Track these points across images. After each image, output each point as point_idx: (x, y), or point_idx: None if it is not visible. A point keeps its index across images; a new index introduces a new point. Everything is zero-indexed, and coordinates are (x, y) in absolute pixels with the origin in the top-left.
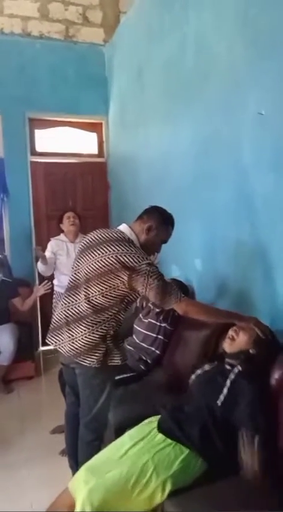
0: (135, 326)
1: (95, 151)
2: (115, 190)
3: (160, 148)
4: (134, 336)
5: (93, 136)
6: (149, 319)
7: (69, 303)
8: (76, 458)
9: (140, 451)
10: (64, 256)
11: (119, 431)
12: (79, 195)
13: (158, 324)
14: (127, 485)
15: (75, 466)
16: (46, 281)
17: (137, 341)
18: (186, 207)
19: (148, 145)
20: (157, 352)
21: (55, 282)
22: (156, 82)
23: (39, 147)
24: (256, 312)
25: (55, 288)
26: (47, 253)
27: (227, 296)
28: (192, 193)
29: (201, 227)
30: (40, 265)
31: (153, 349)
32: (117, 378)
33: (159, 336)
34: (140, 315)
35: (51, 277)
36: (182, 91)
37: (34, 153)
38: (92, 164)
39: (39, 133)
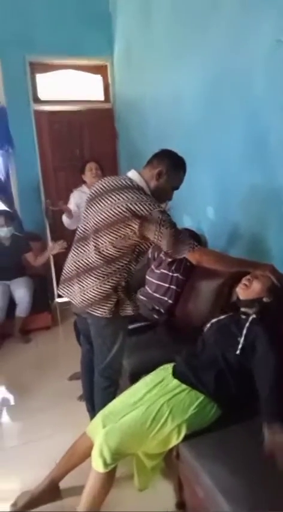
0: (147, 277)
1: (101, 96)
2: (123, 137)
3: (169, 89)
4: (147, 287)
5: (98, 79)
6: (161, 270)
7: (78, 253)
8: (93, 402)
9: (155, 396)
10: None
11: (134, 378)
12: (86, 144)
13: (170, 274)
14: (143, 428)
15: (92, 410)
16: (62, 240)
17: (150, 291)
18: (197, 152)
19: (156, 86)
20: (170, 301)
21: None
22: (163, 14)
23: (42, 94)
24: (270, 259)
25: None
26: (71, 206)
27: (241, 244)
28: (203, 136)
29: (212, 173)
30: (65, 219)
31: (166, 299)
32: (130, 327)
33: (172, 286)
34: (152, 266)
35: (63, 235)
36: (191, 22)
37: (37, 100)
38: (97, 111)
39: (40, 78)
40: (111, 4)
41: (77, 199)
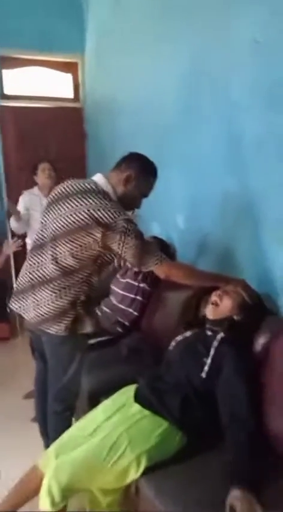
0: (112, 286)
1: (71, 95)
2: (92, 138)
3: (142, 89)
4: (111, 297)
5: (68, 77)
6: (127, 279)
7: (34, 264)
8: (46, 425)
9: (113, 424)
10: (38, 212)
11: (93, 399)
12: (52, 143)
13: (136, 284)
14: (98, 460)
15: (45, 434)
16: (16, 238)
17: (114, 302)
18: (168, 155)
19: (127, 85)
20: (135, 313)
21: (28, 240)
22: (136, 7)
23: (8, 90)
24: (241, 274)
25: (28, 247)
26: (20, 208)
27: (211, 255)
28: (175, 139)
29: (184, 178)
30: (13, 222)
31: (131, 310)
32: (91, 341)
33: (137, 297)
34: (117, 275)
35: (24, 235)
36: (167, 16)
37: (3, 96)
38: (66, 109)
39: (7, 74)
40: None
41: (26, 201)
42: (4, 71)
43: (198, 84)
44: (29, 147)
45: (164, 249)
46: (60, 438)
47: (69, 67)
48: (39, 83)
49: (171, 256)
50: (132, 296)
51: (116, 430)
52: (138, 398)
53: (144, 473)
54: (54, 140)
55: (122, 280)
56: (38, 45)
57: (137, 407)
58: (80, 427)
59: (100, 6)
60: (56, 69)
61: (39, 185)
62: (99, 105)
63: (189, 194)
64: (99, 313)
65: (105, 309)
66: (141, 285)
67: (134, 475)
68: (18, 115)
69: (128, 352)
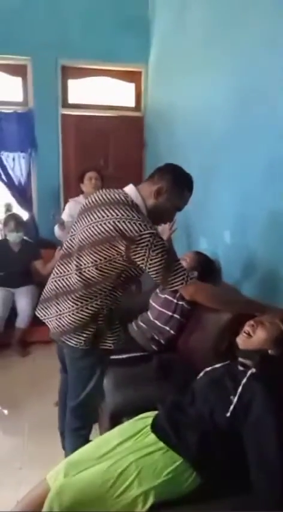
0: (150, 301)
1: (132, 103)
2: (151, 148)
3: (198, 100)
4: (149, 312)
5: (131, 87)
6: (166, 295)
7: (60, 273)
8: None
9: (126, 450)
10: None
11: (116, 419)
12: (112, 152)
13: (175, 301)
14: (104, 487)
15: (64, 447)
16: (60, 246)
17: (151, 318)
18: (220, 168)
19: (185, 96)
20: (172, 332)
21: None
22: (199, 19)
23: (72, 99)
24: None
25: None
26: (64, 216)
27: (255, 276)
28: (228, 152)
29: (233, 192)
30: (56, 230)
31: (168, 328)
32: (123, 356)
33: (175, 315)
34: (157, 289)
35: None
36: (224, 27)
37: (66, 105)
38: (127, 118)
39: (72, 83)
40: (151, 10)
41: (72, 209)
42: (69, 81)
43: (251, 98)
44: (88, 156)
45: (208, 265)
46: (72, 455)
47: (132, 76)
48: (102, 92)
49: (215, 274)
50: (170, 313)
51: (126, 458)
52: (155, 428)
53: (150, 510)
54: (113, 148)
55: (161, 295)
56: (103, 55)
57: (152, 437)
58: (93, 446)
59: (164, 20)
60: (119, 79)
61: (85, 193)
62: (158, 115)
63: (237, 211)
64: (135, 328)
65: (141, 324)
66: (180, 302)
67: (139, 509)
68: (79, 123)
69: (158, 367)
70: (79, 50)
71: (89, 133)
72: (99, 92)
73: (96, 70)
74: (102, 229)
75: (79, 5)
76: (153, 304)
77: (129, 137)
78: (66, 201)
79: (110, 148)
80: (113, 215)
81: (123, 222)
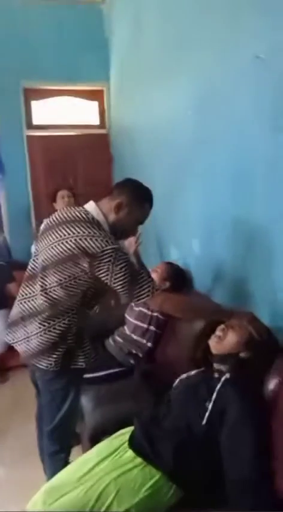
0: (126, 315)
1: (96, 121)
2: (118, 163)
3: (159, 115)
4: (125, 327)
5: (94, 105)
6: (140, 308)
7: (25, 294)
8: None
9: (103, 471)
10: None
11: (95, 438)
12: (80, 170)
13: (149, 312)
14: (83, 510)
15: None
16: None
17: (127, 332)
18: (185, 178)
19: (147, 112)
20: (149, 345)
21: None
22: (153, 34)
23: (36, 120)
24: (253, 306)
25: None
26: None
27: (225, 284)
28: (190, 161)
29: (199, 201)
30: (34, 249)
31: (145, 341)
32: (101, 373)
33: (151, 327)
34: (132, 303)
35: None
36: (179, 41)
37: (30, 126)
38: (93, 136)
39: (35, 105)
40: (107, 29)
41: None
42: (33, 102)
43: (208, 111)
44: (56, 175)
45: (179, 275)
46: (50, 481)
47: (95, 94)
48: (65, 112)
49: (187, 283)
50: (145, 326)
51: (103, 478)
52: (132, 444)
53: None
54: (81, 167)
55: (135, 308)
56: (65, 75)
57: (129, 453)
58: (72, 469)
59: (121, 38)
60: (82, 98)
61: None
62: (122, 130)
63: (204, 221)
64: (112, 343)
65: (118, 338)
66: (155, 314)
67: None
68: (46, 144)
69: (139, 379)
70: (40, 71)
71: (56, 152)
72: (63, 112)
73: (59, 90)
74: (65, 248)
75: (39, 27)
76: (128, 318)
77: (96, 154)
78: (37, 221)
79: (78, 167)
80: (74, 233)
81: (85, 239)
